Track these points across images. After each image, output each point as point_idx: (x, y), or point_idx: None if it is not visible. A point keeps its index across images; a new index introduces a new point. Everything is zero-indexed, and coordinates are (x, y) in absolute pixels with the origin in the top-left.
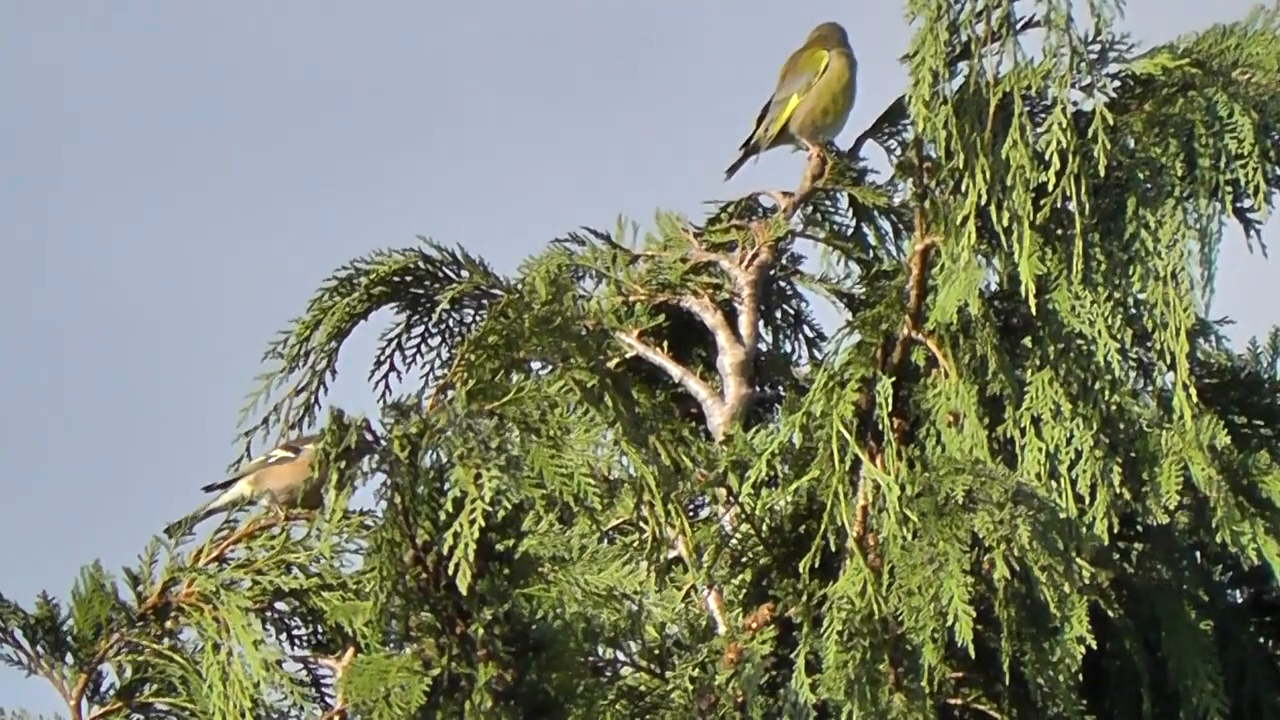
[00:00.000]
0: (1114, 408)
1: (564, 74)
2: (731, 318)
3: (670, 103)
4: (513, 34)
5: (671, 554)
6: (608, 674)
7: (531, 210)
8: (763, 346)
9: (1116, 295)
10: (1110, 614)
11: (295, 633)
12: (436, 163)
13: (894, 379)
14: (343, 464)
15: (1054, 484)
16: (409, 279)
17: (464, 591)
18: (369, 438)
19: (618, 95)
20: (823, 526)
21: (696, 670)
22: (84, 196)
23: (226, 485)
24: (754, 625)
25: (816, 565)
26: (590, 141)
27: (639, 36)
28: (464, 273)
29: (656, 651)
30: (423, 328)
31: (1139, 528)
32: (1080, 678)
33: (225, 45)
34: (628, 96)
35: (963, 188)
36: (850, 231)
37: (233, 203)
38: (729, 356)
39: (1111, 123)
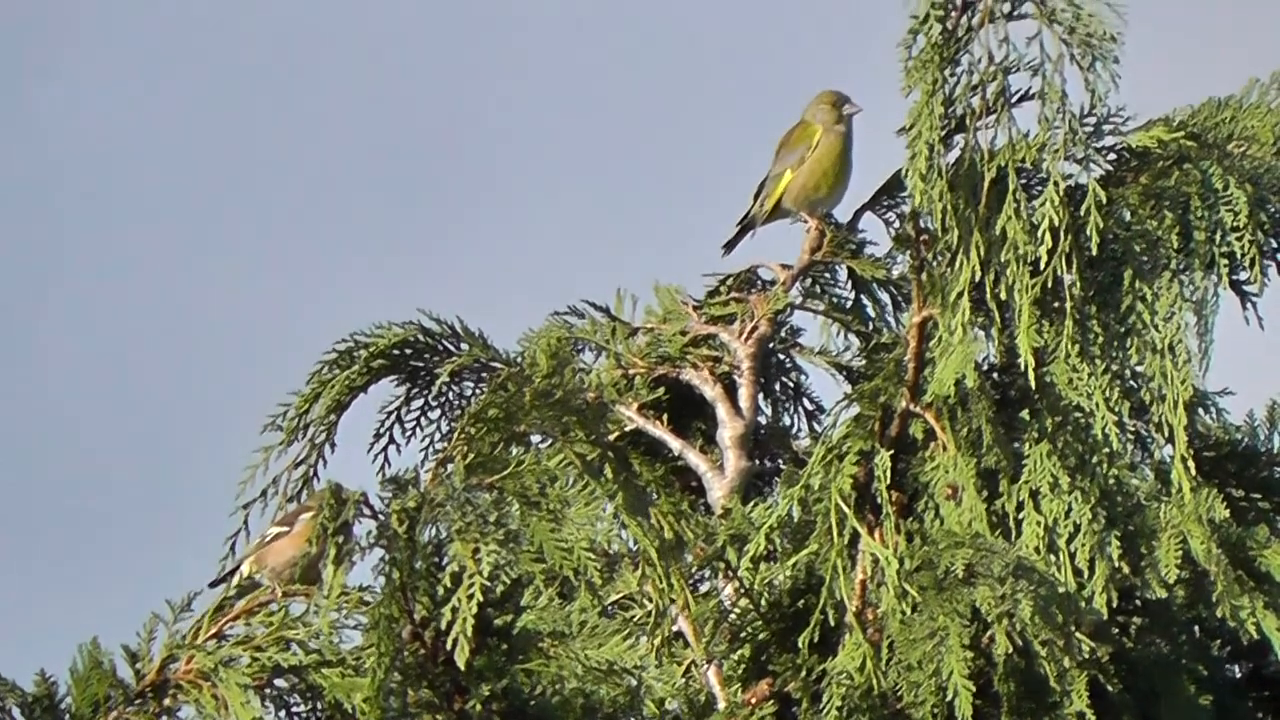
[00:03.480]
0: (1112, 481)
1: (563, 147)
2: (731, 390)
3: (669, 176)
4: (512, 105)
5: (673, 629)
6: None
7: (530, 283)
8: (762, 419)
9: (1114, 368)
10: (1109, 688)
11: (294, 710)
12: (434, 236)
13: (892, 452)
14: (340, 539)
15: (1053, 557)
16: (408, 352)
17: (462, 667)
18: (366, 512)
19: (616, 169)
20: (821, 601)
21: None
22: (83, 269)
23: (229, 576)
24: (753, 700)
25: (815, 640)
26: (589, 214)
27: (637, 111)
28: (464, 345)
29: None
30: (422, 401)
31: (1138, 602)
32: None
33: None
34: (626, 170)
35: (957, 263)
36: (849, 304)
37: (234, 277)
38: (728, 429)
39: (1104, 200)
